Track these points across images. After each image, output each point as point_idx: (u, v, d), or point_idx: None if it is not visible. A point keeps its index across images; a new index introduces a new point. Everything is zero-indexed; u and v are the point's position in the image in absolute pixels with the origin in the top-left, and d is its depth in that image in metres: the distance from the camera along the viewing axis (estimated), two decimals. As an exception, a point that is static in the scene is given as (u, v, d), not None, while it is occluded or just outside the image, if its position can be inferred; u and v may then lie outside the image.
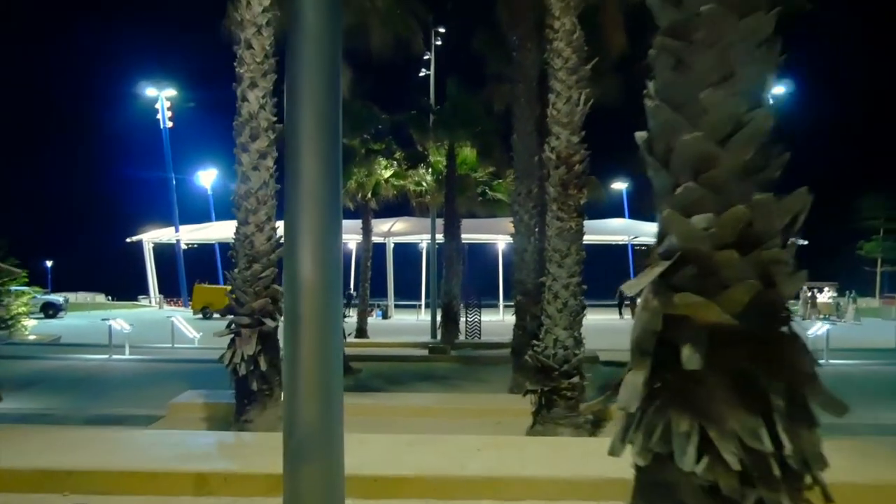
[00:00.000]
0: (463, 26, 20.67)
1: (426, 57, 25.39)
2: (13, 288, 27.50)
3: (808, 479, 2.96)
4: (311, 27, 2.57)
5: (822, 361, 17.02)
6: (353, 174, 21.95)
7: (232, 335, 8.71)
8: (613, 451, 3.21)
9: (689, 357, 2.88)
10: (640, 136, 3.27)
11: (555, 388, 8.97)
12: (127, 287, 45.62)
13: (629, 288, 3.14)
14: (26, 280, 28.16)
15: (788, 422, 2.91)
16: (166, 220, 44.81)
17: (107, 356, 19.20)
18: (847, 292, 47.31)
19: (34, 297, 29.60)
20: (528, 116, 13.45)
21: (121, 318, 21.60)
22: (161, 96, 40.70)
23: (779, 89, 41.20)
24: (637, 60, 4.13)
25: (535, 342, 9.30)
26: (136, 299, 45.42)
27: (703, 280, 3.01)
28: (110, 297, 43.27)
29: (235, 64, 8.76)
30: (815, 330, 18.71)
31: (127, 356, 19.27)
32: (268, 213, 8.78)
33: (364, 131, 20.15)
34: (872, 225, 50.00)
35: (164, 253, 44.74)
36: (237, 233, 8.82)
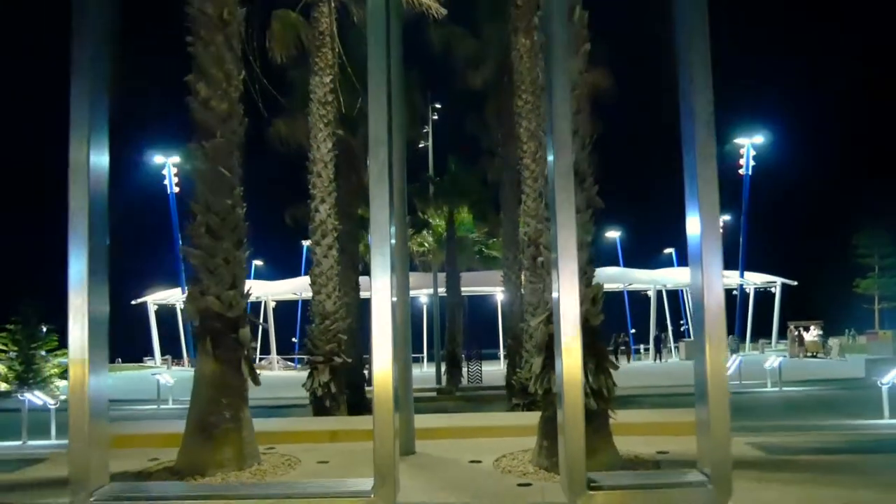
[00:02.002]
0: (459, 109, 26.65)
1: (425, 130, 31.32)
2: (42, 352, 32.87)
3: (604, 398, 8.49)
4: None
5: (775, 388, 22.66)
6: (363, 238, 27.61)
7: (310, 369, 14.28)
8: (533, 389, 8.74)
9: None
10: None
11: (533, 401, 14.45)
12: (124, 349, 51.05)
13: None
14: (56, 343, 33.49)
15: (597, 374, 8.43)
16: (170, 282, 50.32)
17: (155, 406, 24.47)
18: (847, 330, 52.89)
19: (64, 360, 34.84)
20: (511, 201, 19.20)
21: (166, 374, 26.98)
22: (168, 163, 46.74)
23: (757, 139, 47.40)
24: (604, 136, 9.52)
25: (517, 370, 14.86)
26: (141, 360, 50.79)
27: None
28: (119, 360, 48.54)
29: (309, 186, 14.54)
30: (770, 363, 24.14)
31: (171, 406, 24.54)
32: (334, 286, 14.45)
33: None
34: (868, 262, 55.65)
35: (168, 314, 50.18)
36: (313, 300, 14.50)
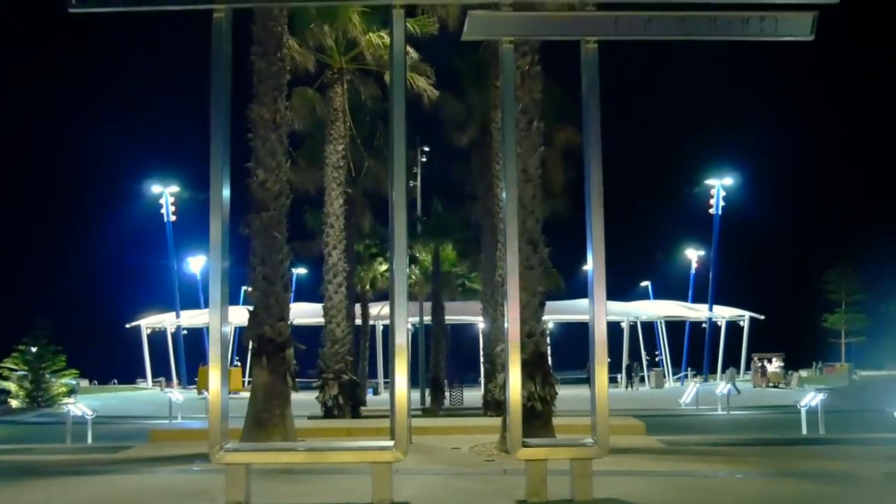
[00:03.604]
0: (446, 157, 30.65)
1: (413, 171, 35.24)
2: (48, 374, 36.09)
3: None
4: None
5: (724, 413, 26.61)
6: (357, 271, 31.49)
7: (322, 384, 18.10)
8: (500, 397, 12.58)
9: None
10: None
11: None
12: (117, 370, 54.67)
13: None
14: (64, 363, 36.86)
15: (543, 385, 12.30)
16: (162, 306, 53.86)
17: (167, 421, 27.99)
18: (814, 363, 57.06)
19: (72, 380, 38.09)
20: (490, 244, 23.09)
21: (176, 392, 30.50)
22: (165, 192, 50.50)
23: (727, 181, 51.76)
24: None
25: (489, 386, 18.69)
26: (134, 382, 54.21)
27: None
28: (115, 381, 51.97)
29: (324, 235, 18.46)
30: (720, 390, 28.10)
31: (180, 420, 28.07)
32: (342, 317, 18.31)
33: (369, 240, 29.88)
34: (836, 298, 59.96)
35: (160, 337, 53.65)
36: (326, 328, 18.36)
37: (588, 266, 9.19)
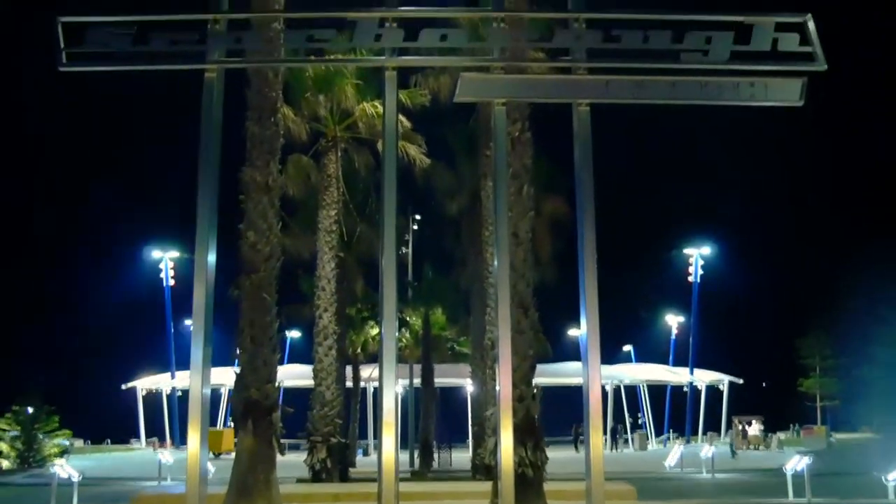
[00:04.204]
0: (436, 224, 30.19)
1: (405, 237, 34.75)
2: (40, 435, 34.82)
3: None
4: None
5: (709, 475, 25.72)
6: (349, 335, 30.69)
7: (310, 447, 17.18)
8: (490, 462, 11.79)
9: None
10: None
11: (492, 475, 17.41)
12: (112, 430, 53.13)
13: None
14: (57, 423, 35.62)
15: (534, 450, 11.54)
16: (158, 367, 52.63)
17: (156, 482, 26.78)
18: (791, 425, 56.14)
19: (65, 441, 36.79)
20: (479, 309, 22.48)
21: (166, 453, 29.32)
22: (165, 257, 49.81)
23: (705, 250, 51.53)
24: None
25: (478, 450, 17.82)
26: (128, 442, 52.58)
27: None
28: (108, 441, 50.39)
29: (315, 299, 17.77)
30: (705, 453, 27.20)
31: (170, 482, 26.87)
32: (332, 380, 17.52)
33: (361, 304, 29.17)
34: (810, 363, 59.36)
35: (156, 397, 52.31)
36: (315, 390, 17.53)
37: (581, 331, 8.61)
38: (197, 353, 8.18)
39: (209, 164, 8.51)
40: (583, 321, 8.53)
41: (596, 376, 8.48)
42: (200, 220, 8.33)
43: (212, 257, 8.37)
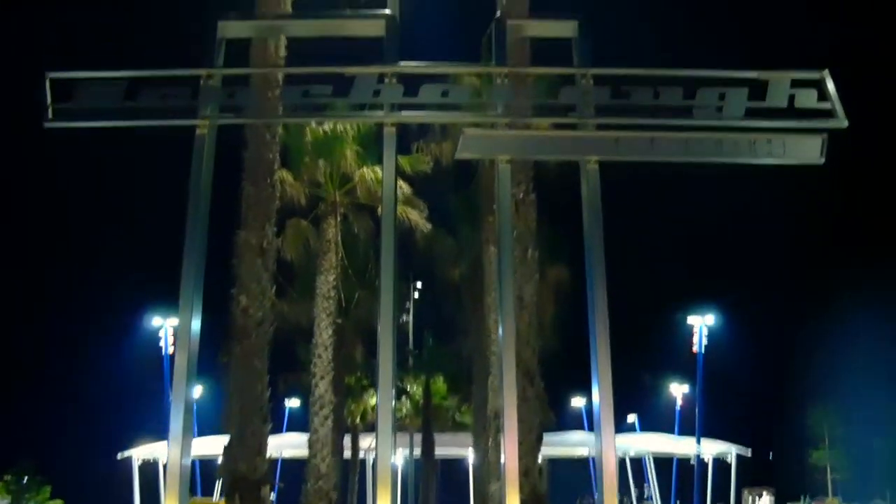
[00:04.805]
0: (438, 291, 29.59)
1: (406, 305, 34.09)
2: (30, 506, 33.73)
3: None
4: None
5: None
6: (348, 404, 29.78)
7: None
8: None
9: None
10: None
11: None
12: (97, 500, 51.27)
13: None
14: (48, 494, 34.49)
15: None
16: (155, 435, 51.12)
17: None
18: (802, 496, 54.32)
19: (54, 513, 35.54)
20: (481, 377, 21.66)
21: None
22: (165, 324, 48.88)
23: (710, 319, 50.73)
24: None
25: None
26: (121, 516, 50.79)
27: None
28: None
29: (311, 366, 17.05)
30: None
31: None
32: (329, 450, 16.64)
33: (361, 372, 28.35)
34: (819, 433, 57.82)
35: (152, 467, 50.71)
36: (309, 462, 16.63)
37: (594, 400, 8.01)
38: (177, 422, 7.60)
39: (197, 222, 8.00)
40: (595, 390, 7.93)
41: (610, 448, 7.89)
42: (185, 281, 7.81)
43: (196, 322, 7.82)
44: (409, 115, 8.71)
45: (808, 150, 8.20)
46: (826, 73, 8.29)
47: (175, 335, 47.58)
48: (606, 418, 7.82)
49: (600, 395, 7.83)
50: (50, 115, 8.31)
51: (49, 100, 8.31)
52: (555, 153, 8.76)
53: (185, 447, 7.58)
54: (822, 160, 8.18)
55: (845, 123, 8.19)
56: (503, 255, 8.33)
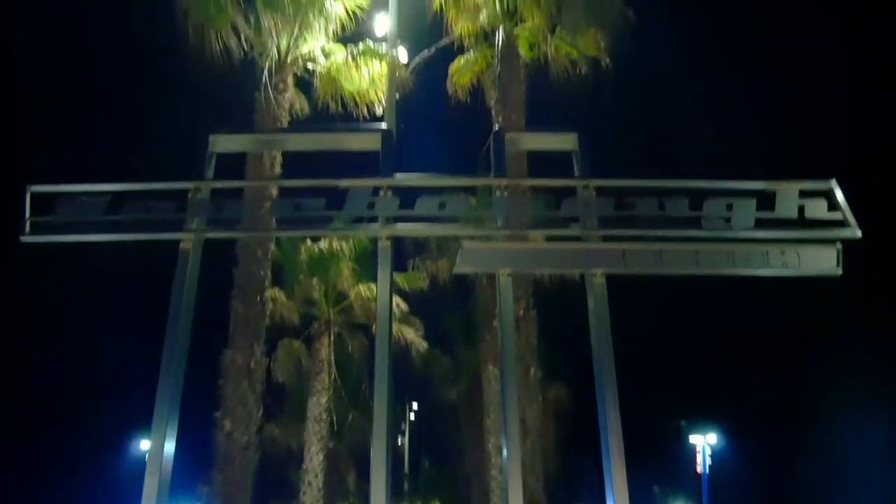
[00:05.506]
0: (434, 411, 28.56)
1: (402, 428, 32.88)
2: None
3: None
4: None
5: None
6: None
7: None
8: None
9: None
10: None
11: None
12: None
13: None
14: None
15: None
16: None
17: None
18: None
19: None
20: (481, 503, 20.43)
21: None
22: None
23: (711, 437, 49.17)
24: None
25: None
26: None
27: None
28: None
29: (301, 494, 15.99)
30: None
31: None
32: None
33: (354, 499, 26.86)
34: None
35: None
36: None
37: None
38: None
39: (175, 340, 7.40)
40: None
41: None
42: (160, 401, 7.13)
43: (170, 446, 7.10)
44: (404, 228, 8.26)
45: (823, 261, 7.71)
46: (834, 182, 7.93)
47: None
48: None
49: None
50: (27, 228, 7.84)
51: (28, 213, 7.87)
52: (559, 266, 8.29)
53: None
54: (840, 271, 7.69)
55: (859, 233, 7.76)
56: (506, 375, 7.70)
